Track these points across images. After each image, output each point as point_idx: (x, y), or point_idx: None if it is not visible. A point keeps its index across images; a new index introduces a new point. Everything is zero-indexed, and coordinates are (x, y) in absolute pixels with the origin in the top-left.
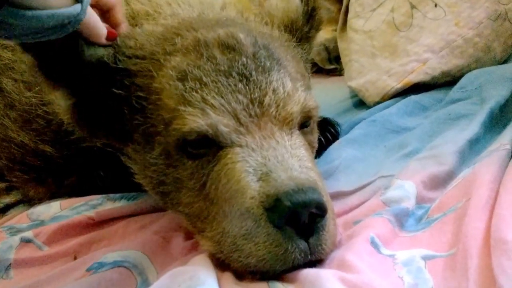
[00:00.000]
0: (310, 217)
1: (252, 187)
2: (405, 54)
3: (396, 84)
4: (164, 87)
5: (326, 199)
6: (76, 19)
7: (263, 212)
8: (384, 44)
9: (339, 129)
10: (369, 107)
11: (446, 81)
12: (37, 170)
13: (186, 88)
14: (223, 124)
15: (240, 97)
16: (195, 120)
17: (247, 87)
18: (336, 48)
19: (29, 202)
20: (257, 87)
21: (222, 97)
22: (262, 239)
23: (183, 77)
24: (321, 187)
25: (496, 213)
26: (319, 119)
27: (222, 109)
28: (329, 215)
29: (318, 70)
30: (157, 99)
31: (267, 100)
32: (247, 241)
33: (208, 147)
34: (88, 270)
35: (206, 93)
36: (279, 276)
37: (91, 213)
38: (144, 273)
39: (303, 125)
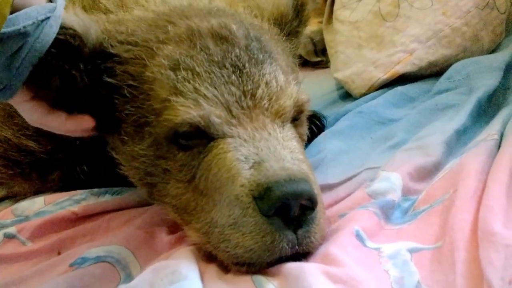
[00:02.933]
0: (300, 209)
1: (243, 175)
2: (392, 44)
3: (382, 75)
4: (156, 76)
5: (317, 192)
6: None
7: (251, 201)
8: (370, 35)
9: (324, 121)
10: (355, 99)
11: (433, 72)
12: (21, 165)
13: (178, 78)
14: (215, 115)
15: (233, 88)
16: (187, 111)
17: (240, 79)
18: (322, 40)
19: (14, 197)
20: (250, 80)
21: (215, 88)
22: (250, 229)
23: (175, 67)
24: (312, 180)
25: (484, 204)
26: None
27: (215, 100)
28: (319, 208)
29: (304, 63)
30: (148, 89)
31: (259, 92)
32: (235, 231)
33: (199, 139)
34: (71, 265)
35: (199, 84)
36: (263, 270)
37: (75, 208)
38: (127, 268)
39: (294, 118)
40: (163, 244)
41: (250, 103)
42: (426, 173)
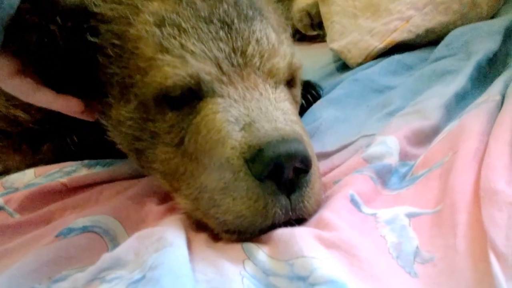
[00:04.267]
0: (294, 172)
1: (233, 137)
2: (388, 12)
3: (379, 44)
4: (141, 34)
5: (312, 154)
6: None
7: (243, 164)
8: (366, 4)
9: (320, 91)
10: (352, 70)
11: (431, 40)
12: (11, 136)
13: (163, 35)
14: (205, 72)
15: (221, 45)
16: (176, 72)
17: (229, 35)
18: (318, 13)
19: (7, 173)
20: (239, 36)
21: (203, 43)
22: (241, 193)
23: (160, 23)
24: (306, 141)
25: (486, 163)
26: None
27: (203, 56)
28: (314, 171)
29: (301, 37)
30: (133, 47)
31: (250, 50)
32: (225, 196)
33: (188, 98)
34: (57, 236)
35: (185, 40)
36: (254, 238)
37: (65, 179)
38: (115, 239)
39: (288, 83)
40: (153, 214)
41: (240, 60)
42: (424, 137)
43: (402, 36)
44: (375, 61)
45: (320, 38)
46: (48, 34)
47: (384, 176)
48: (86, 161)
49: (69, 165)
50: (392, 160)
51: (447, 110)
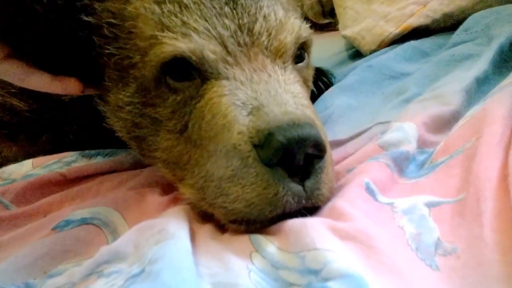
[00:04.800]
0: (306, 159)
1: (240, 121)
2: None
3: (394, 29)
4: (140, 12)
5: (325, 140)
6: None
7: (251, 149)
8: None
9: (332, 78)
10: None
11: (448, 25)
12: (8, 127)
13: (164, 12)
14: (209, 49)
15: (226, 21)
16: (175, 44)
17: (234, 11)
18: (330, 1)
19: (5, 165)
20: (245, 12)
21: (206, 20)
22: (250, 180)
23: (160, 0)
24: (319, 126)
25: None
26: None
27: (207, 33)
28: (328, 156)
29: (311, 26)
30: (131, 26)
31: (257, 27)
32: (233, 184)
33: (191, 79)
34: (53, 228)
35: (187, 17)
36: (263, 229)
37: (64, 170)
38: (116, 231)
39: (298, 60)
40: (156, 206)
41: (247, 39)
42: (444, 123)
43: (418, 21)
44: (389, 47)
45: (331, 26)
46: (34, 15)
47: (401, 163)
48: (86, 152)
49: (68, 156)
50: (410, 147)
51: (467, 95)
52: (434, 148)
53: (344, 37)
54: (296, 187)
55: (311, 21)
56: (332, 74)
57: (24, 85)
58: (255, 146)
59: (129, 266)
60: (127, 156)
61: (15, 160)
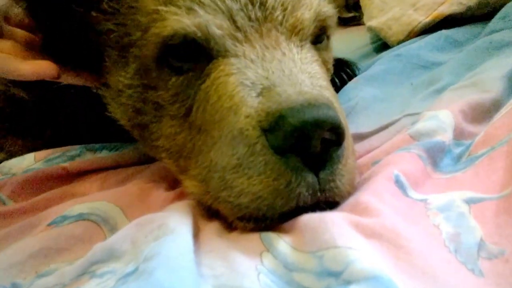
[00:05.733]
0: (323, 145)
1: (248, 103)
2: None
3: (424, 18)
4: None
5: (345, 125)
6: None
7: (260, 134)
8: None
9: (356, 70)
10: None
11: (483, 14)
12: (11, 118)
13: None
14: (216, 25)
15: None
16: (180, 20)
17: None
18: None
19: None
20: None
21: None
22: (257, 170)
23: None
24: (338, 109)
25: None
26: (334, 60)
27: (214, 7)
28: (347, 144)
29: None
30: (132, 0)
31: (271, 0)
32: (239, 174)
33: (195, 59)
34: (49, 224)
35: None
36: (275, 226)
37: (66, 164)
38: (116, 228)
39: (317, 40)
40: (160, 202)
41: (259, 14)
42: (484, 112)
43: (451, 9)
44: (418, 37)
45: (356, 20)
46: None
47: (435, 155)
48: (91, 145)
49: (72, 149)
50: (446, 137)
51: (510, 82)
52: (473, 140)
53: (370, 28)
54: (310, 178)
55: None
56: (356, 66)
57: None
58: (265, 131)
59: (125, 265)
60: (134, 151)
61: (20, 154)
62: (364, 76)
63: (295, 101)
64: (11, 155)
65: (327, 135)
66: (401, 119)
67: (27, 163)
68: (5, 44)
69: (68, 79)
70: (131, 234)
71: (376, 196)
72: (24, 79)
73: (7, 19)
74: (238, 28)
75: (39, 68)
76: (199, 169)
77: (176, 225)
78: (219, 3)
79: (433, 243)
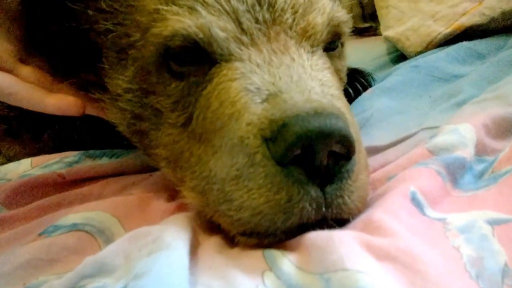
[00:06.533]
0: (331, 158)
1: (251, 110)
2: None
3: (444, 29)
4: None
5: (356, 137)
6: None
7: (261, 144)
8: None
9: (372, 81)
10: None
11: (507, 26)
12: (8, 121)
13: None
14: (219, 26)
15: None
16: (181, 20)
17: None
18: (371, 3)
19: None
20: None
21: None
22: (258, 183)
23: None
24: (350, 121)
25: None
26: (348, 70)
27: (218, 7)
28: (359, 158)
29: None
30: None
31: (280, 2)
32: (238, 187)
33: (197, 63)
34: (40, 234)
35: None
36: (279, 242)
37: (63, 171)
38: (111, 240)
39: (329, 47)
40: (160, 213)
41: (267, 16)
42: (508, 127)
43: (472, 20)
44: (437, 49)
45: (372, 31)
46: None
47: (455, 172)
48: (91, 151)
49: (71, 155)
50: (466, 152)
51: None
52: (496, 156)
53: (386, 38)
54: (315, 192)
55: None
56: (371, 76)
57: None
58: (267, 140)
59: (116, 281)
60: (135, 158)
61: (18, 159)
62: (380, 87)
63: (301, 109)
64: (9, 159)
65: (335, 147)
66: (418, 132)
67: (23, 168)
68: (29, 71)
69: (92, 111)
70: (124, 247)
71: (391, 214)
72: (47, 112)
73: None
74: (243, 31)
75: (64, 104)
76: (197, 180)
77: (172, 239)
78: (223, 3)
79: (452, 268)
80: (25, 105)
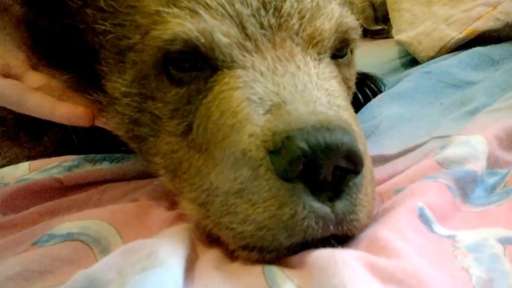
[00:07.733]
0: (337, 174)
1: (254, 121)
2: None
3: (457, 34)
4: None
5: (364, 151)
6: None
7: (264, 156)
8: None
9: (382, 86)
10: None
11: None
12: (7, 123)
13: None
14: (222, 31)
15: None
16: (182, 23)
17: None
18: (383, 4)
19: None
20: None
21: None
22: (262, 197)
23: None
24: (358, 133)
25: None
26: (358, 75)
27: (221, 11)
28: (366, 173)
29: (362, 33)
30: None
31: (287, 7)
32: (242, 200)
33: (198, 69)
34: (34, 243)
35: None
36: (281, 258)
37: (61, 176)
38: (108, 250)
39: (337, 54)
40: (159, 222)
41: (273, 21)
42: None
43: (487, 24)
44: (450, 54)
45: (384, 33)
46: None
47: (466, 186)
48: (91, 156)
49: (70, 159)
50: (478, 166)
51: None
52: (509, 169)
53: (398, 42)
54: (321, 209)
55: (362, 27)
56: (381, 81)
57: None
58: (270, 152)
59: None
60: (137, 163)
61: (17, 162)
62: (390, 93)
63: (306, 122)
64: (8, 162)
65: (342, 163)
66: (429, 141)
67: (21, 172)
68: (39, 78)
69: (101, 123)
70: (117, 262)
71: (397, 232)
72: (56, 121)
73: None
74: (247, 36)
75: (74, 114)
76: (197, 192)
77: (166, 256)
78: (227, 7)
79: None
80: (33, 113)
